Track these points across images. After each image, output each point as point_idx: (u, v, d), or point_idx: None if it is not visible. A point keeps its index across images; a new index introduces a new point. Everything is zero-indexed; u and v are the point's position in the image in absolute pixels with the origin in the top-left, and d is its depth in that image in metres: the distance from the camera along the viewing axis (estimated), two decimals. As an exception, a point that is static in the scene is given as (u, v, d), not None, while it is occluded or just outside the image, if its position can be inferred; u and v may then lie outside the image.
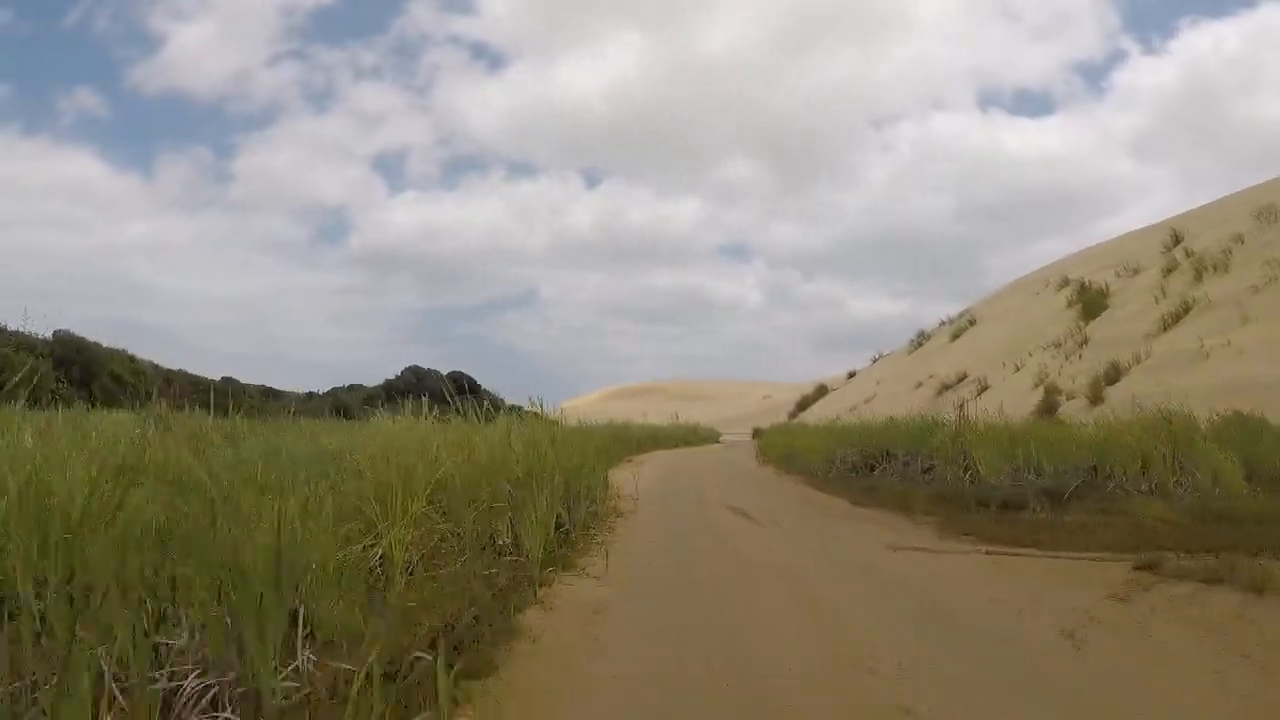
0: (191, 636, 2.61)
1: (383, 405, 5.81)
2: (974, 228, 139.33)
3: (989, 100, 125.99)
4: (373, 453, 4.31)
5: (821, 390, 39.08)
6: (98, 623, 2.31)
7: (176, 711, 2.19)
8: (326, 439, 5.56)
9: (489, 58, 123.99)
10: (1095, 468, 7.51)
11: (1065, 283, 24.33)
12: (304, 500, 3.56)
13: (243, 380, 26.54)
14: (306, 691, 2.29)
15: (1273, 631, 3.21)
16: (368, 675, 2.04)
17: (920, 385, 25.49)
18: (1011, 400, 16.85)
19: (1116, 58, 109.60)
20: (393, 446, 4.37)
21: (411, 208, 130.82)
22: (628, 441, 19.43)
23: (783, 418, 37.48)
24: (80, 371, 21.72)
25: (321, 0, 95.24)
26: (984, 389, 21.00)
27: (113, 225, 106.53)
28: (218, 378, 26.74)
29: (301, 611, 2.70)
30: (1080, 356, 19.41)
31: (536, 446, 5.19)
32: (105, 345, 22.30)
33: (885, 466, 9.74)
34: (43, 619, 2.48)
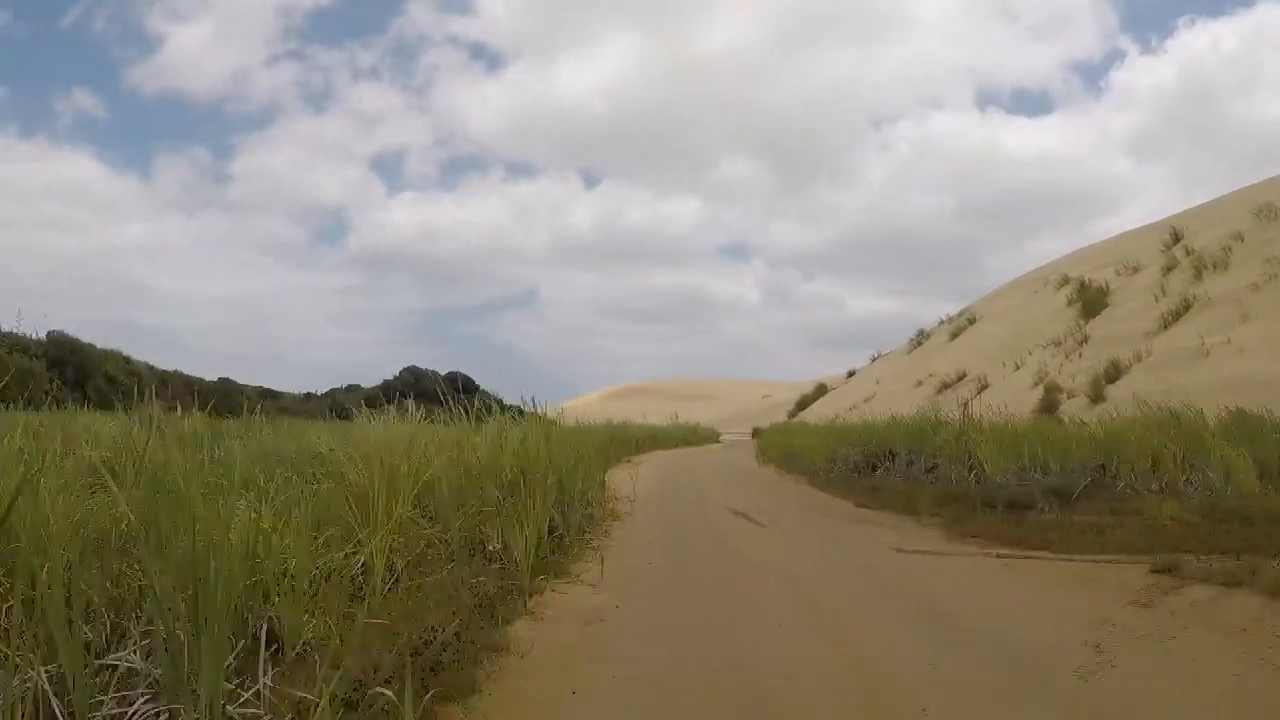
0: (146, 656, 2.42)
1: (382, 406, 5.60)
2: (972, 227, 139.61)
3: (987, 100, 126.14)
4: (353, 453, 4.10)
5: (821, 389, 38.93)
6: (37, 641, 2.11)
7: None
8: (316, 439, 5.35)
9: (488, 58, 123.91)
10: (1103, 466, 7.34)
11: (1065, 281, 24.22)
12: (278, 504, 3.37)
13: (241, 381, 26.32)
14: (267, 719, 2.09)
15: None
16: (332, 701, 1.84)
17: (920, 384, 25.36)
18: (1011, 399, 16.68)
19: (1114, 57, 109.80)
20: (376, 448, 4.16)
21: (410, 208, 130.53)
22: (626, 442, 19.24)
23: (782, 417, 37.32)
24: (74, 373, 21.50)
25: (320, 0, 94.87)
26: (984, 388, 20.86)
27: (111, 226, 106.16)
28: (215, 379, 26.47)
29: (265, 628, 2.49)
30: (1080, 355, 19.30)
31: (529, 447, 4.99)
32: (99, 346, 22.06)
33: (888, 466, 9.56)
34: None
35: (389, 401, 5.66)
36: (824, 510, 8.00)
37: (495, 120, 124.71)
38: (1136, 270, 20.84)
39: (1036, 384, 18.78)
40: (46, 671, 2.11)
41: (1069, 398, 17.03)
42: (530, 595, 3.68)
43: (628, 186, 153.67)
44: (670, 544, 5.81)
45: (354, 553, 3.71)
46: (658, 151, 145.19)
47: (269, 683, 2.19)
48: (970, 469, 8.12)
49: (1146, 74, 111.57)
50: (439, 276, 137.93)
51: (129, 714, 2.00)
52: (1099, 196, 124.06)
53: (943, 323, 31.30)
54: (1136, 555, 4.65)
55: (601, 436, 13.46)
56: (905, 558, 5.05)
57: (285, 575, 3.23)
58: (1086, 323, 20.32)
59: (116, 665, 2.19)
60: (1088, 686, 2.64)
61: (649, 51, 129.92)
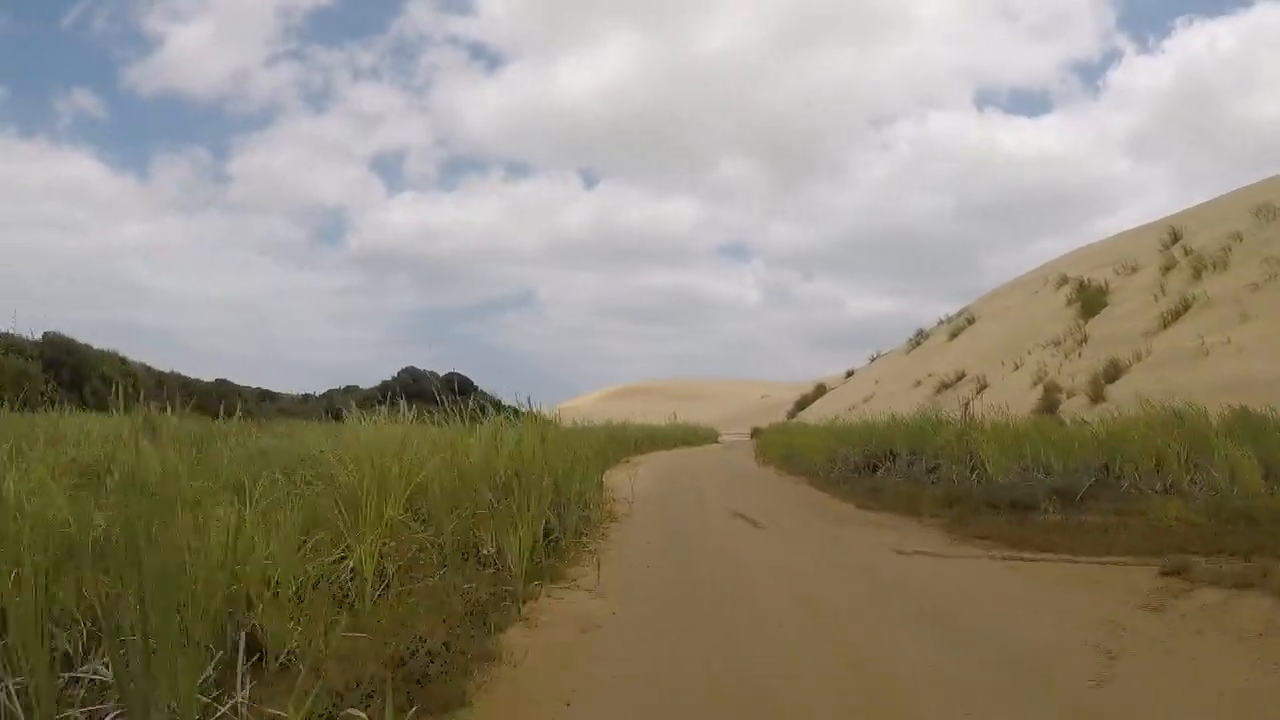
0: (125, 666, 2.31)
1: (375, 407, 5.50)
2: (971, 227, 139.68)
3: (986, 100, 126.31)
4: (343, 455, 3.99)
5: (820, 389, 38.87)
6: (7, 650, 2.01)
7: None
8: (306, 441, 5.24)
9: (487, 58, 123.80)
10: (1106, 466, 7.27)
11: (1064, 281, 24.20)
12: (263, 507, 3.27)
13: (239, 382, 26.22)
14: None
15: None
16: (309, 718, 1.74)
17: (919, 384, 25.32)
18: (1010, 399, 16.62)
19: (1112, 57, 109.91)
20: (367, 449, 4.05)
21: (410, 208, 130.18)
22: (625, 442, 19.14)
23: (781, 417, 37.25)
24: (70, 373, 21.37)
25: (320, 0, 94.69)
26: (983, 387, 20.81)
27: (110, 226, 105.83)
28: (213, 379, 26.37)
29: (245, 637, 2.38)
30: (1080, 354, 19.28)
31: (523, 449, 4.88)
32: (96, 347, 21.92)
33: (889, 466, 9.47)
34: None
35: (382, 402, 5.55)
36: (825, 512, 7.90)
37: (495, 120, 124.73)
38: (1135, 270, 20.81)
39: (1036, 384, 18.74)
40: (17, 683, 2.01)
41: (1068, 397, 16.98)
42: (524, 601, 3.58)
43: (627, 186, 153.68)
44: (669, 546, 5.71)
45: (343, 558, 3.61)
46: (657, 151, 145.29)
47: (245, 698, 2.09)
48: (972, 469, 8.04)
49: (1144, 74, 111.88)
50: (438, 277, 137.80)
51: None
52: (1097, 196, 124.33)
53: (942, 323, 31.28)
54: (1144, 557, 4.57)
55: (600, 437, 13.35)
56: (908, 559, 4.95)
57: (270, 582, 3.13)
58: (1086, 322, 20.29)
59: (87, 678, 2.08)
60: (1099, 693, 2.55)
61: (648, 51, 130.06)
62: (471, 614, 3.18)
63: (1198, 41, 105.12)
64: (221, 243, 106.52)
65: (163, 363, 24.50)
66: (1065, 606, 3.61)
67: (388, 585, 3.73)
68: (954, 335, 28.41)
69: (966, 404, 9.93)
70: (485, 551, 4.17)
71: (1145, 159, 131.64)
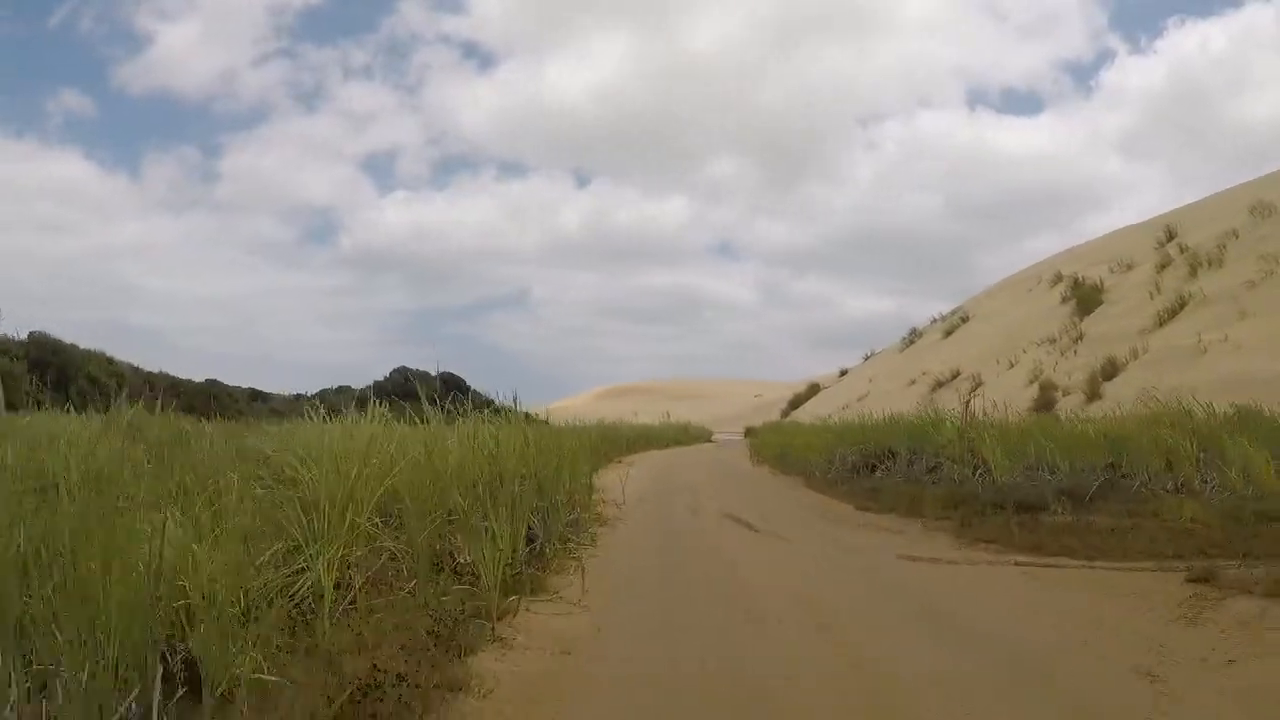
0: (30, 699, 1.98)
1: (350, 405, 5.16)
2: (963, 225, 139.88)
3: (977, 99, 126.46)
4: (304, 456, 3.65)
5: (814, 388, 38.73)
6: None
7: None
8: (264, 442, 4.88)
9: (479, 57, 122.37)
10: (1112, 465, 7.03)
11: (1058, 279, 24.14)
12: (208, 515, 2.93)
13: (229, 382, 25.73)
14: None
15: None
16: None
17: (914, 382, 25.19)
18: (1006, 397, 16.47)
19: (1104, 57, 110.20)
20: (330, 450, 3.70)
21: (401, 208, 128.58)
22: (617, 441, 18.86)
23: (775, 416, 37.06)
24: (56, 374, 20.88)
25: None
26: (978, 386, 20.66)
27: (100, 226, 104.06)
28: (203, 380, 25.90)
29: (180, 664, 2.04)
30: (1075, 352, 19.18)
31: (502, 449, 4.55)
32: (82, 347, 21.43)
33: (888, 466, 9.20)
34: None
35: (360, 403, 5.20)
36: (823, 513, 7.62)
37: (487, 119, 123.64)
38: (1131, 268, 20.73)
39: (1031, 382, 18.61)
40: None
41: (1065, 396, 16.85)
42: (499, 618, 3.24)
43: (620, 186, 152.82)
44: (660, 552, 5.40)
45: (304, 569, 3.27)
46: (650, 151, 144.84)
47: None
48: (974, 469, 7.78)
49: (1136, 74, 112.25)
50: (431, 276, 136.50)
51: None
52: (1089, 195, 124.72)
53: (936, 321, 31.20)
54: (1164, 561, 4.31)
55: (591, 436, 13.04)
56: (915, 566, 4.66)
57: (213, 599, 2.79)
58: (1081, 320, 20.18)
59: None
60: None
61: (639, 51, 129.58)
62: (437, 635, 2.83)
63: (1189, 42, 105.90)
64: (211, 242, 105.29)
65: (151, 363, 23.99)
66: (1094, 620, 3.32)
67: (353, 600, 3.40)
68: (948, 334, 28.32)
69: (967, 402, 9.69)
70: (462, 560, 3.83)
71: (1137, 158, 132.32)
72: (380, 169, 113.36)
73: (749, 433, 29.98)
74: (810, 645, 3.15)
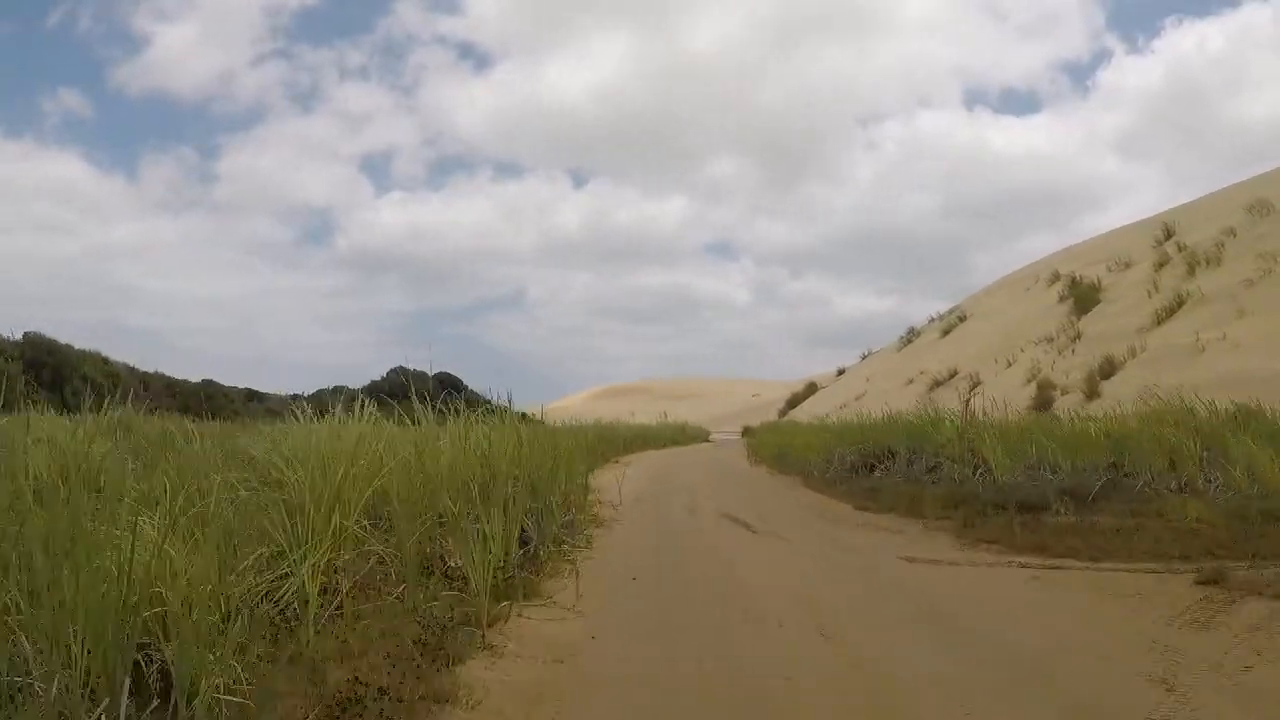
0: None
1: (335, 405, 5.04)
2: (960, 225, 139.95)
3: (976, 99, 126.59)
4: (290, 457, 3.53)
5: (811, 388, 38.67)
6: None
7: None
8: (251, 443, 4.76)
9: (476, 57, 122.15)
10: (1114, 464, 6.95)
11: (1056, 278, 24.10)
12: (187, 518, 2.81)
13: (226, 383, 25.60)
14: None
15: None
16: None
17: (911, 382, 25.14)
18: (1004, 396, 16.45)
19: (1102, 57, 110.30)
20: (317, 450, 3.59)
21: (398, 208, 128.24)
22: (614, 441, 18.76)
23: (772, 416, 36.99)
24: (51, 374, 20.74)
25: (306, 0, 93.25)
26: (976, 385, 20.62)
27: (97, 227, 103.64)
28: (199, 380, 25.77)
29: (134, 674, 1.93)
30: (1073, 351, 19.15)
31: (494, 449, 4.43)
32: (78, 347, 21.30)
33: (887, 466, 9.11)
34: None
35: (349, 402, 5.08)
36: (822, 514, 7.53)
37: (483, 120, 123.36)
38: (1128, 266, 20.69)
39: (1029, 381, 18.56)
40: None
41: (1063, 395, 16.80)
42: (490, 624, 3.13)
43: (616, 186, 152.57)
44: (657, 554, 5.29)
45: (286, 575, 3.16)
46: (646, 151, 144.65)
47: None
48: (974, 469, 7.70)
49: (1134, 74, 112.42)
50: (428, 277, 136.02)
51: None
52: (1086, 195, 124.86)
53: (933, 320, 31.16)
54: (1170, 562, 4.23)
55: (588, 436, 12.93)
56: (917, 568, 4.57)
57: (191, 606, 2.68)
58: (1079, 319, 20.14)
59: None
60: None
61: (636, 51, 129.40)
62: (424, 643, 2.72)
63: (1187, 41, 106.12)
64: (208, 243, 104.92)
65: (148, 363, 23.90)
66: (1102, 624, 3.22)
67: (339, 606, 3.29)
68: (946, 333, 28.28)
69: (968, 401, 9.62)
70: (453, 564, 3.71)
71: (1134, 158, 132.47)
72: (377, 170, 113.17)
73: (746, 432, 29.89)
74: (810, 647, 3.05)
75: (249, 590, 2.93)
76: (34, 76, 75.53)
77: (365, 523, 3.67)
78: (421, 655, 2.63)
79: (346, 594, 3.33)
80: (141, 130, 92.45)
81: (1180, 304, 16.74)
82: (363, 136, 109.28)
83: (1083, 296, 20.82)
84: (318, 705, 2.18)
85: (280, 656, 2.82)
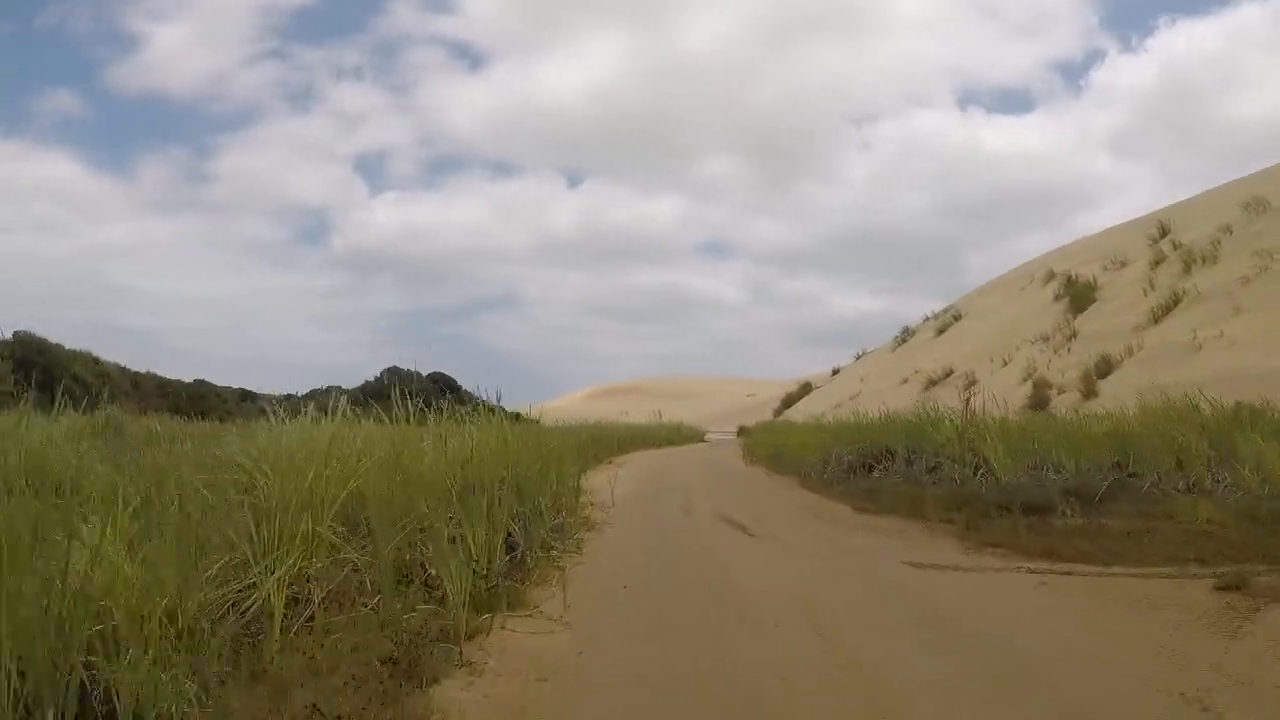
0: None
1: (306, 406, 4.82)
2: (954, 224, 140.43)
3: (969, 98, 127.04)
4: (259, 460, 3.30)
5: (806, 387, 38.58)
6: None
7: None
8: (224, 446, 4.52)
9: (470, 57, 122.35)
10: (1118, 463, 6.80)
11: (1051, 276, 24.07)
12: (137, 526, 2.59)
13: (219, 383, 25.29)
14: None
15: None
16: None
17: (906, 381, 25.07)
18: (1000, 395, 16.38)
19: (1095, 56, 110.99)
20: (288, 452, 3.36)
21: (393, 208, 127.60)
22: (608, 441, 18.56)
23: (767, 415, 36.88)
24: (41, 374, 20.40)
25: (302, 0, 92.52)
26: (971, 384, 20.53)
27: (91, 227, 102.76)
28: (192, 380, 25.43)
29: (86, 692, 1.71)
30: (1069, 350, 19.10)
31: (475, 452, 4.21)
32: (68, 346, 20.94)
33: (886, 466, 8.93)
34: None
35: (365, 401, 4.85)
36: (820, 515, 7.34)
37: (478, 119, 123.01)
38: (1124, 265, 20.65)
39: (1025, 380, 18.49)
40: None
41: (1059, 393, 16.73)
42: (470, 638, 2.91)
43: (610, 185, 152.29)
44: (650, 560, 5.08)
45: (252, 585, 2.93)
46: (641, 150, 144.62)
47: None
48: (976, 469, 7.53)
49: (1127, 73, 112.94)
50: (423, 277, 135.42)
51: None
52: (1079, 194, 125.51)
53: (928, 320, 31.11)
54: (1187, 566, 4.06)
55: (582, 436, 12.73)
56: (922, 574, 4.37)
57: (142, 621, 2.45)
58: (1074, 318, 20.08)
59: None
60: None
61: (630, 50, 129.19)
62: (395, 661, 2.50)
63: (1180, 41, 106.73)
64: (202, 243, 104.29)
65: (141, 363, 23.61)
66: (1123, 634, 3.03)
67: (311, 617, 3.06)
68: (940, 332, 28.23)
69: (968, 400, 9.46)
70: (434, 572, 3.49)
71: (1128, 157, 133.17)
72: (371, 169, 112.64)
73: (742, 432, 29.74)
74: (806, 647, 2.85)
75: (210, 602, 2.71)
76: (28, 76, 74.91)
77: (341, 528, 3.45)
78: (391, 675, 2.41)
79: (319, 605, 3.12)
80: (135, 130, 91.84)
81: (1177, 302, 16.69)
82: (357, 136, 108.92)
83: (1078, 295, 20.77)
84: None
85: (241, 675, 2.60)
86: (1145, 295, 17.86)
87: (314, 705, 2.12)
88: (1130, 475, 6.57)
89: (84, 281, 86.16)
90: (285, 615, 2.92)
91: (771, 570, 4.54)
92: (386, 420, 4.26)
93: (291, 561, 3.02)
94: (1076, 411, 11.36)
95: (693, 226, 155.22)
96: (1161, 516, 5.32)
